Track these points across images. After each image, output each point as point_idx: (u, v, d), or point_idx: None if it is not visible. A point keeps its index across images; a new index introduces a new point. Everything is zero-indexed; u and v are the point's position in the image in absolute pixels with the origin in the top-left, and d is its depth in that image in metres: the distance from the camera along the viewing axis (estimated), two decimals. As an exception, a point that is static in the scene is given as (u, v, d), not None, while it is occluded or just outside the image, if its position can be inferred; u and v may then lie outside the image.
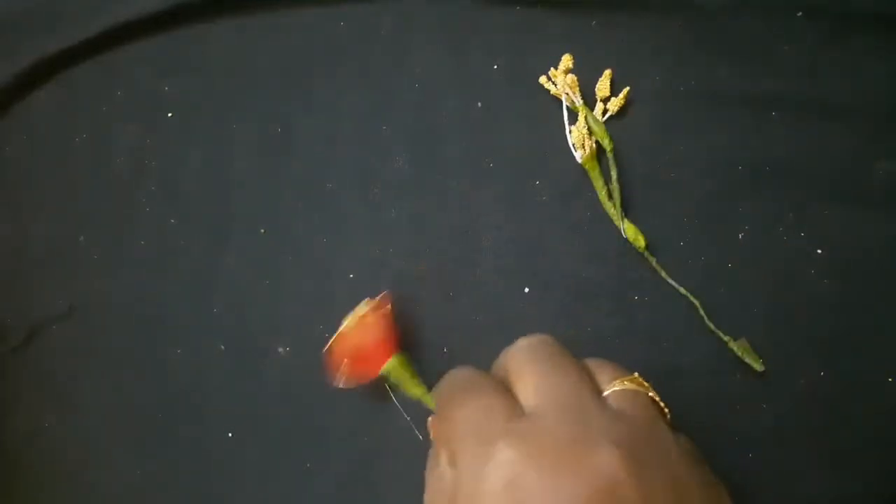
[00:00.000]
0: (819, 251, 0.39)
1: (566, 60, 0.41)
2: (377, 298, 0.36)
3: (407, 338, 0.39)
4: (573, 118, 0.41)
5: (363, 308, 0.35)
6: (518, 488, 0.22)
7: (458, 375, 0.29)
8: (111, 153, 0.42)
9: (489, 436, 0.24)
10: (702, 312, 0.38)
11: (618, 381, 0.27)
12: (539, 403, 0.25)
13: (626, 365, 0.37)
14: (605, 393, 0.27)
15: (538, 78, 0.41)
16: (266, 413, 0.39)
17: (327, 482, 0.38)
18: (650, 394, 0.28)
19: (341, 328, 0.35)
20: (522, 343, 0.28)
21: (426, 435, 0.37)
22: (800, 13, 0.42)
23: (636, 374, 0.28)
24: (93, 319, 0.41)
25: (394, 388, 0.36)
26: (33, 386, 0.41)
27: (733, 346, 0.37)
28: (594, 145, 0.40)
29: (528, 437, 0.24)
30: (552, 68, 0.41)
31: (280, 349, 0.39)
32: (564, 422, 0.24)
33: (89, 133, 0.43)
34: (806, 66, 0.42)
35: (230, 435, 0.38)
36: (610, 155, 0.40)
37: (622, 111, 0.41)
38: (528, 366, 0.27)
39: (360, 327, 0.35)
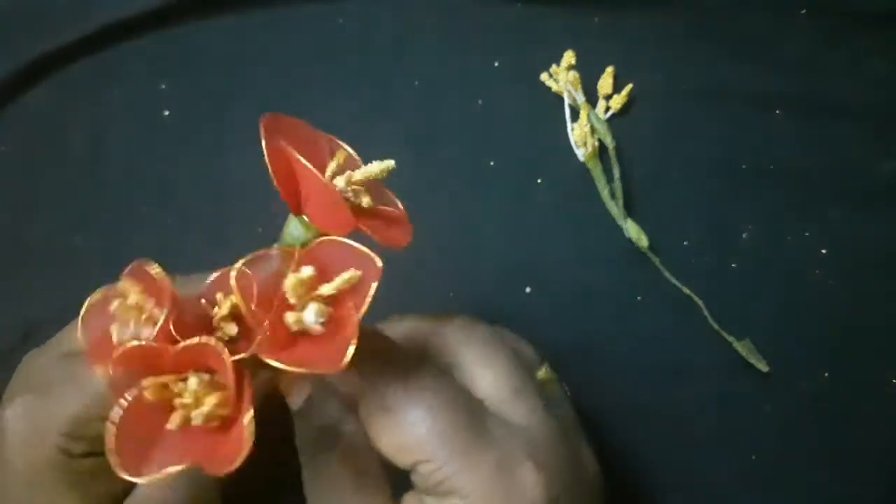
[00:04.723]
0: (823, 251, 0.39)
1: (568, 57, 0.40)
2: None
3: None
4: (575, 116, 0.40)
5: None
6: None
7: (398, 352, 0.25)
8: (108, 152, 0.42)
9: (507, 459, 0.23)
10: (705, 313, 0.37)
11: (544, 369, 0.28)
12: (496, 396, 0.25)
13: (628, 366, 0.37)
14: (539, 378, 0.27)
15: (540, 75, 0.41)
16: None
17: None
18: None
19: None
20: (459, 323, 0.27)
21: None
22: (803, 11, 0.42)
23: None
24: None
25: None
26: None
27: (738, 346, 0.37)
28: (596, 143, 0.40)
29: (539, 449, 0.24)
30: (554, 65, 0.41)
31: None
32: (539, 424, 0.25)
33: (86, 132, 0.42)
34: (809, 64, 0.42)
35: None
36: (612, 153, 0.39)
37: (625, 109, 0.41)
38: (475, 351, 0.26)
39: None
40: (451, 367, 0.26)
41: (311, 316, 0.21)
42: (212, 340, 0.20)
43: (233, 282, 0.20)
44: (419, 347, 0.26)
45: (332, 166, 0.23)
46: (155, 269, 0.22)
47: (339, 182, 0.23)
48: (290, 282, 0.21)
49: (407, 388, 0.23)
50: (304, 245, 0.23)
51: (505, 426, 0.24)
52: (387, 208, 0.25)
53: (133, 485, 0.25)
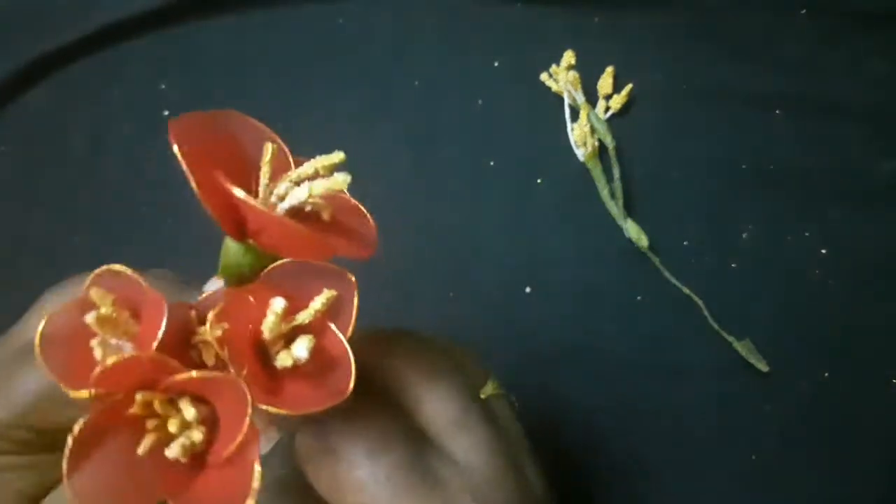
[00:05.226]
0: (823, 251, 0.39)
1: (568, 57, 0.40)
2: None
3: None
4: (575, 116, 0.40)
5: None
6: None
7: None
8: (108, 152, 0.42)
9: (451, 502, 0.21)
10: (705, 313, 0.37)
11: (490, 383, 0.26)
12: (440, 426, 0.23)
13: (628, 366, 0.37)
14: (484, 397, 0.25)
15: (540, 75, 0.41)
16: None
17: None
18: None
19: None
20: (407, 342, 0.25)
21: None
22: (803, 11, 0.42)
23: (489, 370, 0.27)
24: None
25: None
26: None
27: (738, 346, 0.37)
28: (596, 143, 0.40)
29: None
30: (554, 65, 0.41)
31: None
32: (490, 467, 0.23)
33: (86, 132, 0.42)
34: (809, 64, 0.41)
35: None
36: (612, 153, 0.39)
37: (625, 109, 0.41)
38: (422, 376, 0.24)
39: None
40: (397, 393, 0.24)
41: (302, 351, 0.18)
42: (239, 381, 0.18)
43: (210, 330, 0.18)
44: (366, 371, 0.23)
45: (264, 170, 0.20)
46: (134, 277, 0.19)
47: (296, 196, 0.19)
48: (268, 323, 0.18)
49: (347, 424, 0.21)
50: (252, 271, 0.21)
51: (450, 464, 0.23)
52: (345, 212, 0.22)
53: (56, 483, 0.23)
